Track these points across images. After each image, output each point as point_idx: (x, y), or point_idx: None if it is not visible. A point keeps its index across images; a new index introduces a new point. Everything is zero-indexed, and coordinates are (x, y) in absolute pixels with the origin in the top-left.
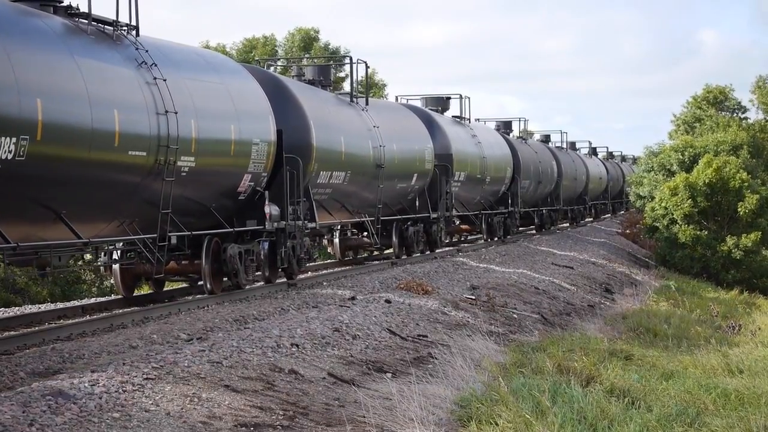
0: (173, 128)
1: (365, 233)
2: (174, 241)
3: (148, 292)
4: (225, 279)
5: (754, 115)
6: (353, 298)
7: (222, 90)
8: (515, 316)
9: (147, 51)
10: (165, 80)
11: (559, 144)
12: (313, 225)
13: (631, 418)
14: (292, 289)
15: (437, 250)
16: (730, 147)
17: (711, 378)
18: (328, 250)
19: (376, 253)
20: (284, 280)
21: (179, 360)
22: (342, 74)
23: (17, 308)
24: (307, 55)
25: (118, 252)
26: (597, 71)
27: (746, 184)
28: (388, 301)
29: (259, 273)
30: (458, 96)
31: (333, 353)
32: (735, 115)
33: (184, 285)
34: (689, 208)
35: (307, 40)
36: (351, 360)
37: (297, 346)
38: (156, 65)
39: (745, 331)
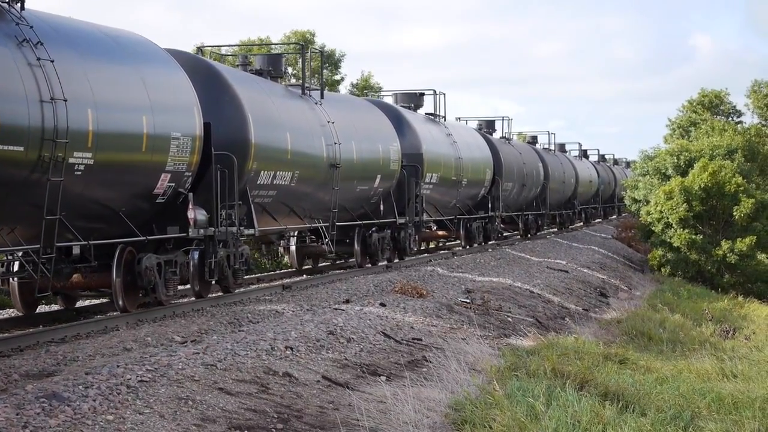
0: (62, 119)
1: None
2: (77, 251)
3: (58, 308)
4: (142, 294)
5: (749, 120)
6: (348, 301)
7: (133, 76)
8: (510, 319)
9: (32, 27)
10: (53, 61)
11: (547, 146)
12: (251, 231)
13: (625, 422)
14: (287, 291)
15: (407, 258)
16: (726, 151)
17: (705, 382)
18: (285, 259)
19: (340, 261)
20: (219, 294)
21: (173, 362)
22: (337, 77)
23: (11, 310)
24: (256, 42)
25: (16, 264)
26: (591, 76)
27: (742, 188)
28: (383, 304)
29: (188, 286)
30: (432, 92)
31: (327, 356)
32: (730, 119)
33: (105, 300)
34: (684, 212)
35: (303, 43)
36: (345, 363)
37: (291, 349)
38: (42, 44)
39: (739, 335)
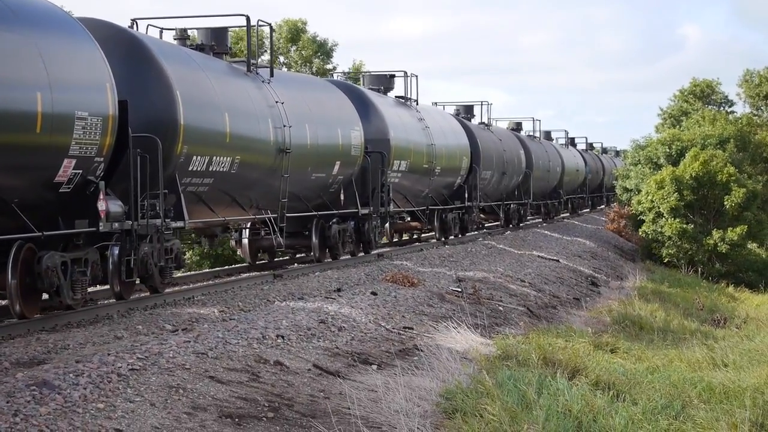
0: None
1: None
2: None
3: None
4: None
5: (741, 109)
6: (339, 290)
7: (27, 47)
8: (501, 308)
9: None
10: None
11: (531, 133)
12: (179, 224)
13: (616, 411)
14: (278, 280)
15: (373, 252)
16: (717, 141)
17: (696, 371)
18: (238, 252)
19: (301, 255)
20: (146, 294)
21: (164, 351)
22: (329, 66)
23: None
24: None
25: None
26: (579, 66)
27: (733, 177)
28: (374, 293)
29: (106, 287)
30: (403, 73)
31: (318, 345)
32: (722, 108)
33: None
34: (675, 202)
35: (294, 32)
36: (336, 352)
37: (282, 337)
38: None
39: (730, 324)
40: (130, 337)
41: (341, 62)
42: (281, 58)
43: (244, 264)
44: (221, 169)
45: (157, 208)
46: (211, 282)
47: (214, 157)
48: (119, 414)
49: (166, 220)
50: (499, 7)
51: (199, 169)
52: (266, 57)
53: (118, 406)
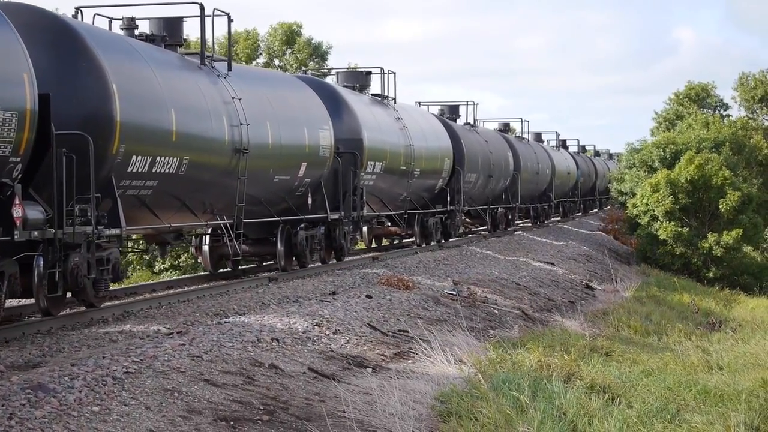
0: None
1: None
2: None
3: None
4: None
5: (736, 113)
6: (334, 293)
7: None
8: (496, 311)
9: None
10: None
11: (520, 134)
12: (115, 231)
13: (611, 414)
14: (273, 283)
15: (345, 259)
16: (713, 144)
17: (691, 375)
18: (198, 260)
19: (270, 262)
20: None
21: (159, 354)
22: (324, 69)
23: None
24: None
25: None
26: (574, 69)
27: (728, 181)
28: (369, 296)
29: (30, 301)
30: (379, 70)
31: (313, 348)
32: (717, 112)
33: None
34: (670, 205)
35: (290, 35)
36: (331, 355)
37: (277, 340)
38: None
39: (725, 327)
40: (125, 341)
41: (336, 65)
42: (276, 62)
43: (240, 268)
44: (167, 171)
45: (89, 214)
46: (206, 285)
47: (158, 158)
48: (114, 417)
49: (99, 227)
50: (494, 10)
51: (139, 170)
52: (261, 60)
53: (113, 409)
